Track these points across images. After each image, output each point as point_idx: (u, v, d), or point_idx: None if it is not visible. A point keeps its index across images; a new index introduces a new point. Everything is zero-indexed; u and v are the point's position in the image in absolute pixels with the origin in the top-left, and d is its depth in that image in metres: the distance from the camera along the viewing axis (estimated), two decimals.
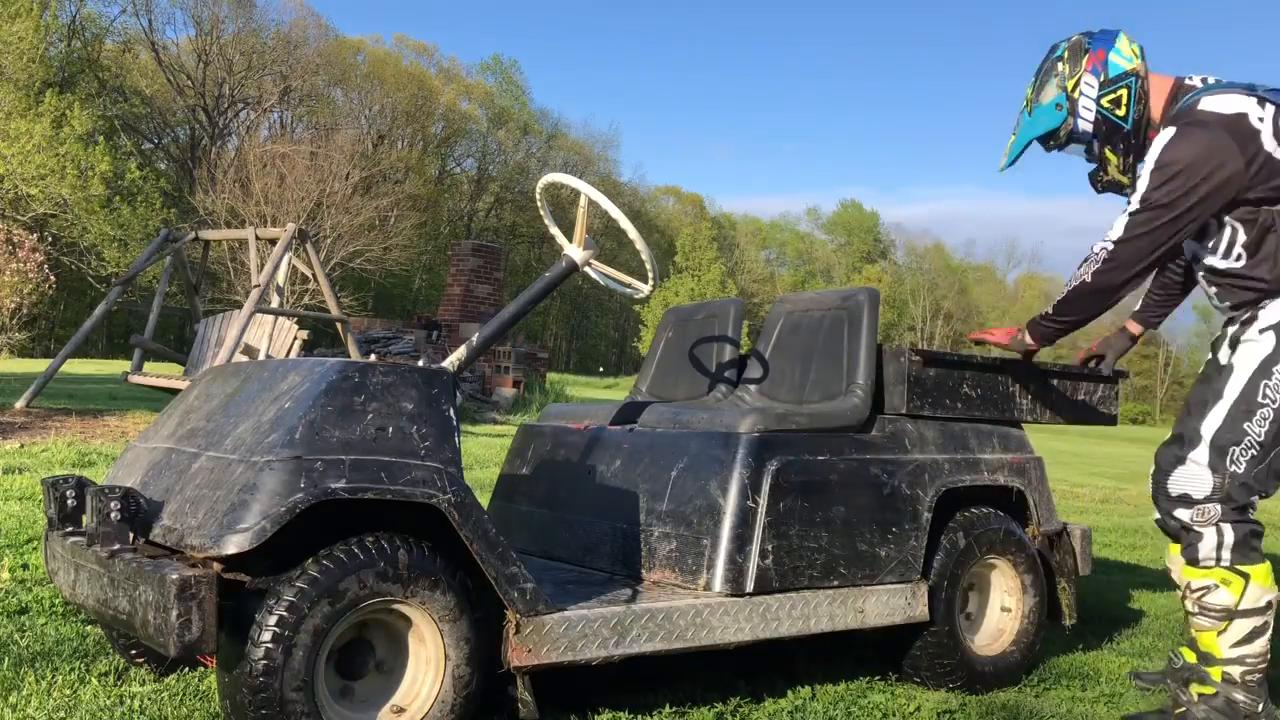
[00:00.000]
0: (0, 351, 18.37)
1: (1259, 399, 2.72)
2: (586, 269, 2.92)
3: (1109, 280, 2.74)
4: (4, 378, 11.61)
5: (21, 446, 6.58)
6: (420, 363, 2.59)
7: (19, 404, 8.22)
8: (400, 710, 2.33)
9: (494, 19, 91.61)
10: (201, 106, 39.73)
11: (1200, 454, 2.75)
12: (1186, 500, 2.77)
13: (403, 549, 2.27)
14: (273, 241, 8.84)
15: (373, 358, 2.77)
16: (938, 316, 70.07)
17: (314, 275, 9.44)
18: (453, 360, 2.76)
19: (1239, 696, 2.75)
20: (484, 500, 3.63)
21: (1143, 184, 2.70)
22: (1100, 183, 2.93)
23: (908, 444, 3.22)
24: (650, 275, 2.95)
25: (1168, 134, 2.70)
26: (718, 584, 2.78)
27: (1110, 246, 2.72)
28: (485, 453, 8.41)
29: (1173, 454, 2.85)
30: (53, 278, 17.22)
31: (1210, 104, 2.71)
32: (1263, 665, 2.78)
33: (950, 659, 3.21)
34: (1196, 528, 2.75)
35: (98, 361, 22.47)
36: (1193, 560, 2.76)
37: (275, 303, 8.73)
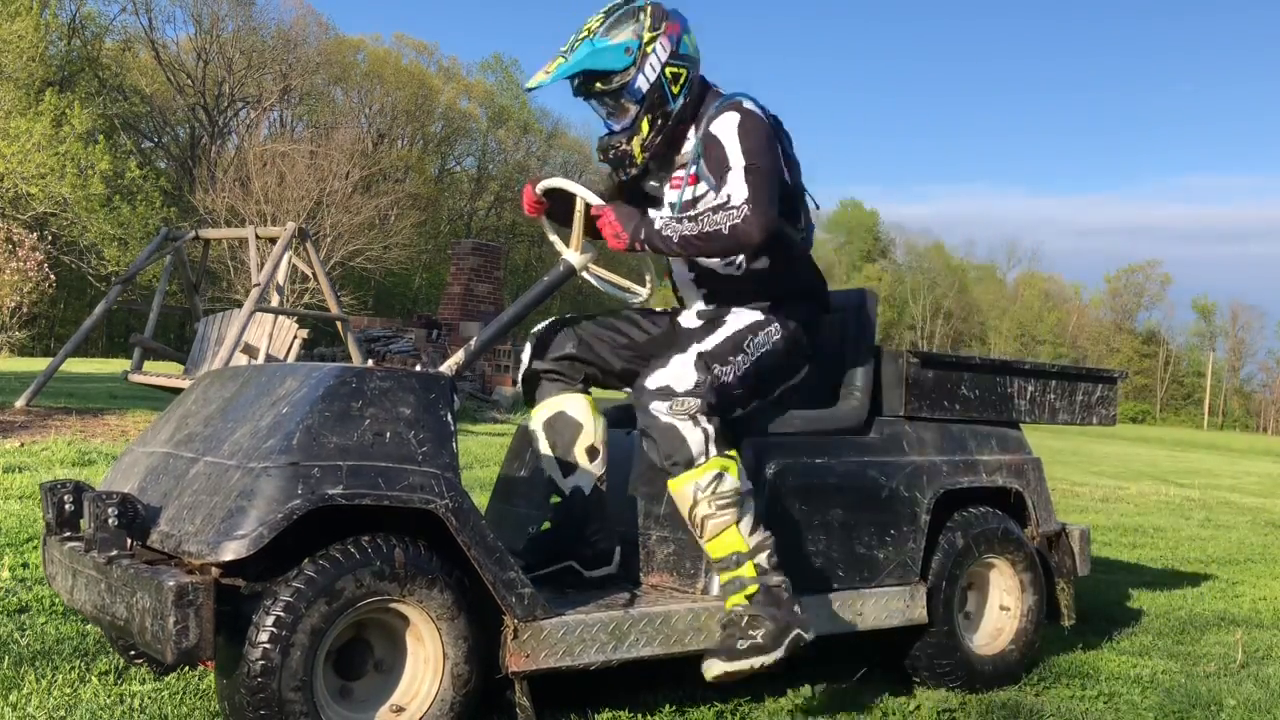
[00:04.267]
0: (0, 350, 18.38)
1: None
2: (584, 273, 2.92)
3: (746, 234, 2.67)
4: (4, 377, 11.61)
5: (21, 445, 6.58)
6: (421, 362, 2.59)
7: (19, 403, 8.22)
8: (399, 709, 2.33)
9: (494, 18, 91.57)
10: (201, 105, 39.68)
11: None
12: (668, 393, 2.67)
13: (399, 548, 2.27)
14: (273, 240, 8.83)
15: (370, 363, 2.78)
16: (938, 315, 70.03)
17: (314, 274, 9.44)
18: (450, 364, 2.75)
19: (775, 580, 2.67)
20: (484, 499, 3.63)
21: (735, 149, 2.73)
22: (612, 150, 2.86)
23: (906, 446, 3.22)
24: (648, 279, 2.95)
25: (732, 115, 2.78)
26: (716, 588, 2.78)
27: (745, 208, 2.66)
28: (485, 452, 8.41)
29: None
30: (53, 277, 17.25)
31: (751, 105, 2.83)
32: (772, 542, 2.71)
33: (949, 658, 3.21)
34: (678, 425, 2.64)
35: (98, 360, 22.44)
36: (688, 463, 2.64)
37: (275, 301, 8.73)
